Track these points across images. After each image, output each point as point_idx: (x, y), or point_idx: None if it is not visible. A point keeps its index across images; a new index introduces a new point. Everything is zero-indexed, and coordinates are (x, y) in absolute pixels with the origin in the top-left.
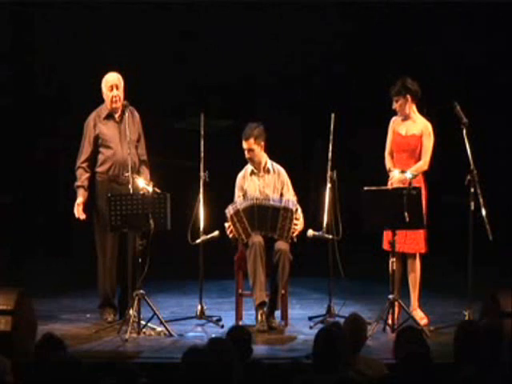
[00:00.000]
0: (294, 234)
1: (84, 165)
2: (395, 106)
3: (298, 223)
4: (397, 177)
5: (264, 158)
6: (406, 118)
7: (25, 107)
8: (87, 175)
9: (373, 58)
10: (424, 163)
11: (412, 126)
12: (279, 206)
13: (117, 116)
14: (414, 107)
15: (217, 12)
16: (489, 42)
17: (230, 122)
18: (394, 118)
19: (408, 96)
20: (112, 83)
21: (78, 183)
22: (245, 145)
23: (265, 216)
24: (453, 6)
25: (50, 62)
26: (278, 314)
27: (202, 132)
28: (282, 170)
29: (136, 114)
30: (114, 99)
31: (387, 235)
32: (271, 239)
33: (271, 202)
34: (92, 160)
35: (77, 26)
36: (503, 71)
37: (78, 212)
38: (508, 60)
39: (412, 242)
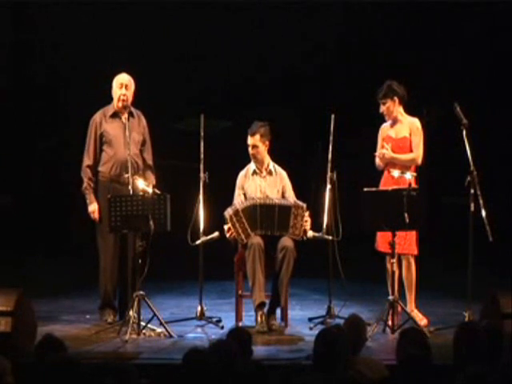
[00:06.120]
0: (308, 229)
1: (91, 166)
2: (382, 109)
3: (308, 219)
4: (389, 153)
5: (267, 158)
6: (394, 121)
7: (25, 107)
8: (93, 178)
9: (373, 58)
10: (416, 156)
11: (401, 128)
12: (290, 205)
13: (123, 117)
14: (401, 109)
15: (217, 12)
16: (489, 42)
17: (230, 123)
18: (383, 126)
19: (396, 98)
20: (122, 82)
21: (89, 183)
22: (250, 140)
23: (270, 215)
24: (452, 7)
25: (51, 62)
26: (278, 314)
27: (202, 133)
28: (284, 173)
29: (143, 118)
30: (121, 97)
31: (382, 236)
32: (273, 238)
33: (276, 201)
34: (97, 160)
35: (77, 27)
36: (503, 71)
37: (96, 217)
38: (508, 60)
39: (405, 243)
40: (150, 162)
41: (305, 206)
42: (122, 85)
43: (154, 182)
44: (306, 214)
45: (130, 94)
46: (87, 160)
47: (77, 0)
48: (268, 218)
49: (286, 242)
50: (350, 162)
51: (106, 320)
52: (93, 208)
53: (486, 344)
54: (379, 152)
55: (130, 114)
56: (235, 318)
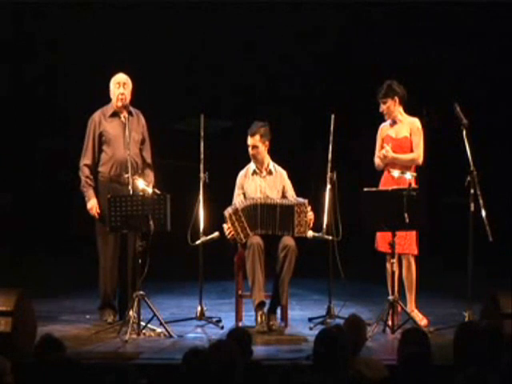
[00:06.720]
0: (311, 223)
1: (90, 165)
2: (383, 108)
3: (311, 213)
4: (391, 154)
5: (267, 158)
6: (393, 121)
7: (25, 107)
8: (92, 176)
9: (373, 58)
10: (417, 156)
11: (401, 128)
12: (292, 204)
13: (122, 116)
14: (400, 109)
15: (217, 12)
16: (489, 43)
17: (230, 123)
18: (382, 125)
19: (396, 98)
20: (120, 81)
21: (87, 181)
22: (250, 141)
23: (271, 214)
24: (452, 7)
25: (50, 62)
26: (278, 314)
27: (202, 133)
28: (284, 173)
29: (141, 117)
30: (120, 97)
31: (382, 236)
32: (273, 238)
33: (277, 201)
34: (96, 160)
35: (77, 28)
36: (503, 71)
37: (95, 213)
38: (508, 60)
39: (405, 243)
40: (149, 160)
41: (306, 201)
42: (120, 84)
43: (153, 180)
44: (309, 208)
45: (128, 92)
46: (85, 159)
47: (77, 0)
48: (269, 217)
49: (288, 241)
50: (349, 162)
51: (106, 320)
52: (91, 204)
53: (486, 344)
54: (380, 153)
55: (129, 113)
56: (235, 317)
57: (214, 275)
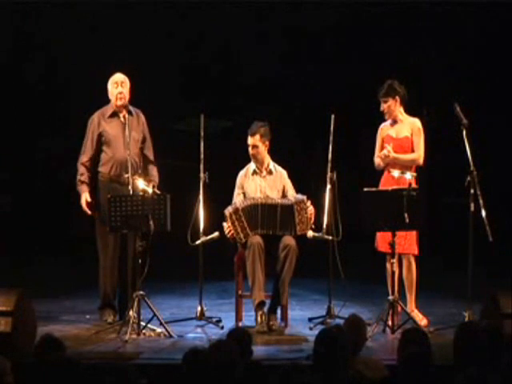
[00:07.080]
0: (312, 219)
1: (86, 164)
2: (383, 107)
3: (311, 207)
4: (392, 154)
5: (267, 158)
6: (394, 121)
7: (25, 107)
8: (89, 174)
9: (373, 58)
10: (418, 156)
11: (402, 128)
12: (291, 203)
13: (121, 115)
14: (401, 109)
15: (216, 12)
16: (488, 43)
17: (230, 123)
18: (382, 125)
19: (397, 97)
20: (117, 80)
21: (80, 178)
22: (250, 140)
23: (272, 214)
24: (451, 6)
25: (50, 63)
26: (278, 314)
27: (202, 133)
28: (284, 172)
29: (141, 115)
30: (119, 96)
31: (382, 236)
32: (273, 238)
33: (278, 201)
34: (94, 159)
35: (78, 27)
36: (503, 71)
37: (87, 209)
38: (508, 60)
39: (405, 243)
40: (151, 157)
41: (305, 197)
42: (118, 83)
43: (157, 176)
44: (308, 203)
45: (126, 91)
46: (82, 158)
47: (78, 0)
48: (269, 217)
49: (289, 240)
50: (349, 162)
51: (106, 320)
52: (83, 199)
53: (486, 344)
54: (381, 153)
55: (129, 113)
56: (235, 318)
57: (214, 275)
